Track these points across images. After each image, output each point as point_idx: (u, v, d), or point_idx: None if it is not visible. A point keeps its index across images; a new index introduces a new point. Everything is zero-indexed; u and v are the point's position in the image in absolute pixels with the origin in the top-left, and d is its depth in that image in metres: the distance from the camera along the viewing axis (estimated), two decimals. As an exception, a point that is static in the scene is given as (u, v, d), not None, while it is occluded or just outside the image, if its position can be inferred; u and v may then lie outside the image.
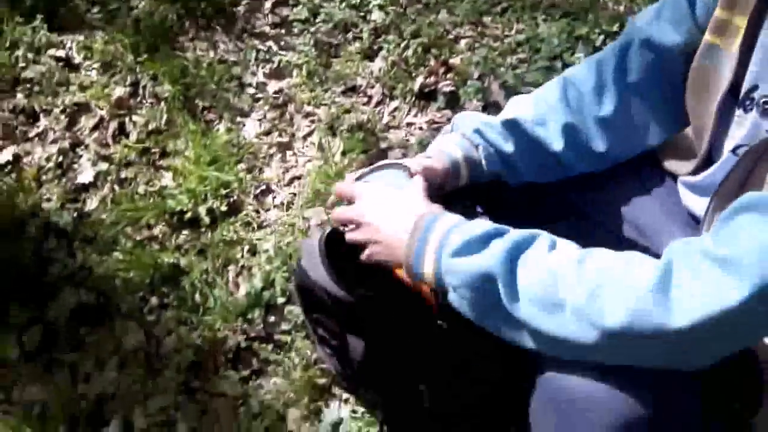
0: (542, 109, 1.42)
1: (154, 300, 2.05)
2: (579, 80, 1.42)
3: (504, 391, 1.58)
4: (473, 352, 1.54)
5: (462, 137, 1.41)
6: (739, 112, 1.23)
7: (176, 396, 1.86)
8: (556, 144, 1.41)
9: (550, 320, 1.02)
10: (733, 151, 1.24)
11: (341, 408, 1.83)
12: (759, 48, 1.18)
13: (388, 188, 1.29)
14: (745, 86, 1.21)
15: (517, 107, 1.45)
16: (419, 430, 1.72)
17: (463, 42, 2.75)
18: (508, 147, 1.40)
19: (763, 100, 1.17)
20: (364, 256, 1.28)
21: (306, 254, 1.47)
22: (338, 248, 1.42)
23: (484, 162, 1.40)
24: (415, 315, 1.48)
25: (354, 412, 1.82)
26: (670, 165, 1.44)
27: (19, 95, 2.57)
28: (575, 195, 1.47)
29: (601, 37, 2.67)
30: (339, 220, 1.33)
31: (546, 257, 1.05)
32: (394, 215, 1.23)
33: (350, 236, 1.30)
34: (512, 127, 1.41)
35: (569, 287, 1.01)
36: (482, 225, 1.13)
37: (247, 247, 2.15)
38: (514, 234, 1.09)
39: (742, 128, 1.23)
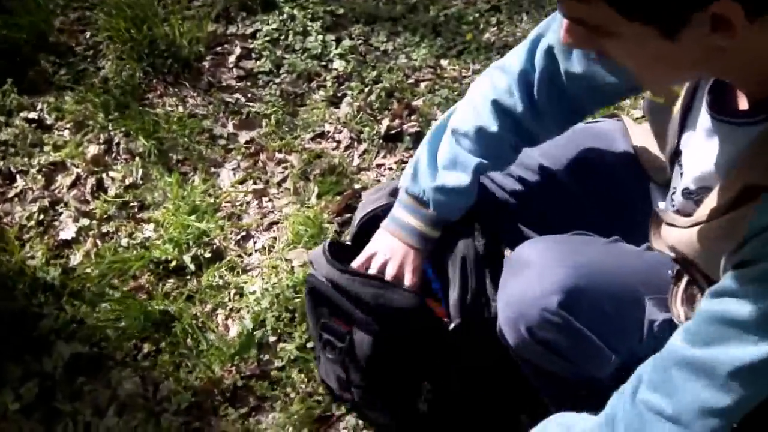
0: (486, 142, 1.53)
1: (147, 347, 2.09)
2: (510, 105, 1.51)
3: (512, 380, 1.69)
4: (480, 357, 1.64)
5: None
6: (676, 168, 1.34)
7: (178, 437, 1.91)
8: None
9: None
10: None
11: (342, 436, 1.90)
12: (690, 123, 1.26)
13: None
14: (680, 147, 1.31)
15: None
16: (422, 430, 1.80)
17: (423, 85, 2.87)
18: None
19: (688, 188, 1.27)
20: None
21: (313, 259, 1.65)
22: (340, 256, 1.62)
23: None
24: (424, 323, 1.60)
25: (355, 439, 1.88)
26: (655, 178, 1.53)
27: (-6, 158, 2.61)
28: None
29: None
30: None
31: None
32: None
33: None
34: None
35: None
36: None
37: (233, 291, 2.21)
38: None
39: (678, 185, 1.32)
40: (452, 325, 1.63)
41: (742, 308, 1.00)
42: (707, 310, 1.06)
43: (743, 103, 1.10)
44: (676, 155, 1.32)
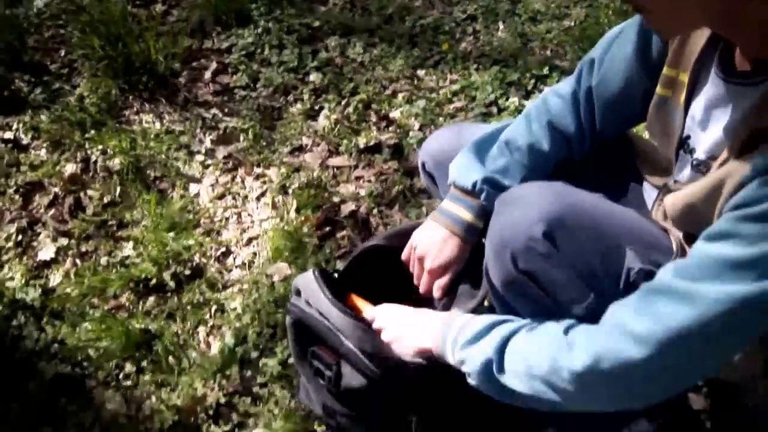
0: (536, 159, 1.60)
1: (128, 366, 2.08)
2: (564, 126, 1.61)
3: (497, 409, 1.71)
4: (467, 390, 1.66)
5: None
6: (682, 155, 1.41)
7: (162, 457, 1.90)
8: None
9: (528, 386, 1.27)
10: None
11: (325, 453, 1.89)
12: (695, 103, 1.34)
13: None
14: (685, 133, 1.38)
15: (514, 156, 1.61)
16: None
17: (400, 96, 2.88)
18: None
19: (698, 159, 1.34)
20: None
21: (303, 287, 1.63)
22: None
23: None
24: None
25: (338, 455, 1.87)
26: (652, 180, 1.59)
27: (-30, 180, 2.60)
28: None
29: (532, 81, 2.82)
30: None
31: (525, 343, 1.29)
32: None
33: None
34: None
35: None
36: (479, 322, 1.37)
37: (214, 308, 2.20)
38: (503, 329, 1.33)
39: (685, 166, 1.39)
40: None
41: (739, 249, 1.05)
42: (701, 251, 1.11)
43: (745, 67, 1.21)
44: (683, 142, 1.39)
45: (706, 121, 1.31)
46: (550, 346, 1.23)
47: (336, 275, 1.77)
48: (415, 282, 1.68)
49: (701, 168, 1.33)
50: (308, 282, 1.67)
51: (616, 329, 1.16)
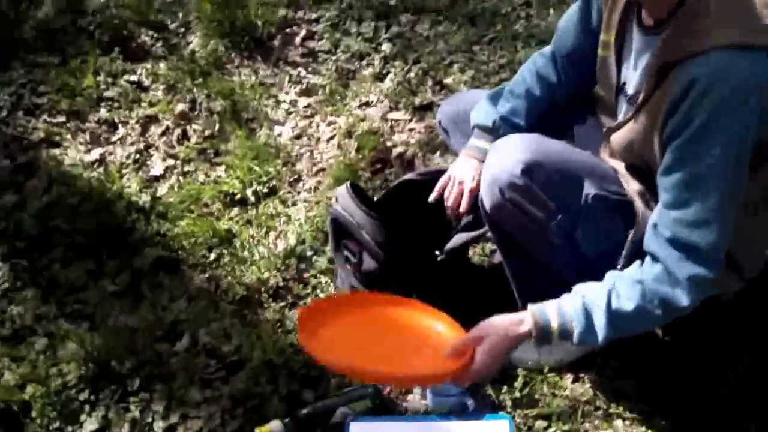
0: (531, 102, 2.14)
1: (213, 255, 2.67)
2: (547, 76, 2.15)
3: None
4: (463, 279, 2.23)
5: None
6: (620, 98, 1.89)
7: (231, 320, 2.47)
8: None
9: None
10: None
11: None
12: (628, 54, 1.82)
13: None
14: (621, 82, 1.87)
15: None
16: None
17: (455, 66, 3.39)
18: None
19: (629, 94, 1.82)
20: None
21: (338, 194, 2.25)
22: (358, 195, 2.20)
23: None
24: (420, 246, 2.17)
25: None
26: (606, 123, 2.08)
27: (102, 110, 3.25)
28: None
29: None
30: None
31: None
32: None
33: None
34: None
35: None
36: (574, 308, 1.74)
37: (283, 218, 2.78)
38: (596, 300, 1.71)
39: (623, 106, 1.88)
40: (439, 258, 2.22)
41: (694, 168, 1.55)
42: (668, 185, 1.61)
43: (650, 22, 1.70)
44: (620, 89, 1.87)
45: (636, 66, 1.77)
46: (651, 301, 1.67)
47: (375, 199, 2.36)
48: (452, 203, 2.11)
49: (632, 101, 1.79)
50: (343, 191, 2.26)
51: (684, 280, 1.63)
